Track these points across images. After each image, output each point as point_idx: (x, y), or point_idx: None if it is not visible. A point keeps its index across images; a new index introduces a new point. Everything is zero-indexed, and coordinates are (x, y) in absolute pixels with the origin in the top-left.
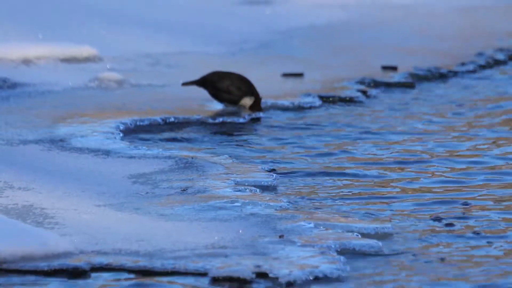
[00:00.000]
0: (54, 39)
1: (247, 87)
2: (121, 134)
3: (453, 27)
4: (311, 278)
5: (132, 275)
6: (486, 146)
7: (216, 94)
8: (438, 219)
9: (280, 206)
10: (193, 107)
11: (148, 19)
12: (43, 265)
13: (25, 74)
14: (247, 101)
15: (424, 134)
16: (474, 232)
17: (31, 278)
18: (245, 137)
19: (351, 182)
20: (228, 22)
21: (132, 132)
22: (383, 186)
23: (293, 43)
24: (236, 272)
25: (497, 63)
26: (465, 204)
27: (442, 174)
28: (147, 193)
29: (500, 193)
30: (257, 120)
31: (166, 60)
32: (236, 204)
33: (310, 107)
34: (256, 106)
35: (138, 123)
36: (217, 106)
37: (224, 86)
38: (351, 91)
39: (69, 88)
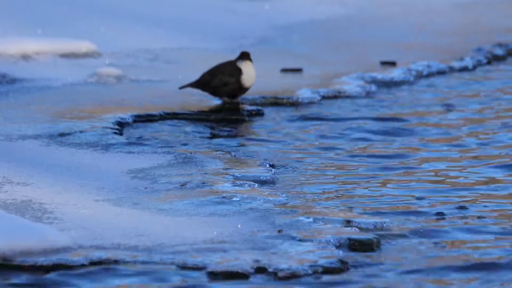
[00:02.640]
0: (53, 35)
1: (235, 66)
2: (120, 129)
3: (452, 22)
4: (310, 272)
5: (131, 270)
6: (481, 142)
7: (216, 92)
8: (439, 213)
9: (279, 201)
10: (192, 103)
11: (147, 15)
12: (42, 260)
13: (24, 70)
14: (246, 64)
15: (422, 130)
16: (474, 223)
17: (30, 273)
18: (243, 132)
19: (349, 177)
20: (227, 18)
21: (131, 127)
22: (381, 181)
23: (292, 38)
24: (235, 266)
25: (496, 58)
26: (461, 207)
27: (441, 169)
28: (146, 188)
29: (498, 189)
30: (255, 115)
31: (165, 55)
32: (235, 199)
33: (309, 102)
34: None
35: (137, 118)
36: (216, 101)
37: (218, 81)
38: (350, 87)
39: (68, 84)
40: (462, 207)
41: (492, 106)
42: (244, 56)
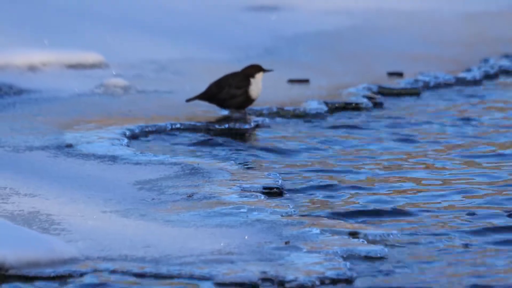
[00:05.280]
0: (60, 45)
1: (244, 76)
2: (127, 140)
3: (458, 33)
4: (317, 284)
5: (138, 281)
6: (492, 152)
7: (223, 104)
8: (470, 213)
9: (286, 212)
10: (199, 114)
11: (154, 26)
12: (49, 271)
13: (31, 81)
14: (258, 76)
15: (431, 141)
16: (482, 231)
17: (37, 284)
18: (250, 143)
19: (357, 189)
20: (233, 28)
21: (138, 138)
22: (390, 192)
23: (299, 49)
24: (242, 278)
25: (503, 69)
26: (471, 214)
27: (449, 182)
28: (153, 199)
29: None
30: (262, 126)
31: (172, 66)
32: (242, 210)
33: (316, 113)
34: (264, 70)
35: (144, 129)
36: (223, 112)
37: (226, 94)
38: (357, 97)
39: (75, 95)
40: (471, 214)
41: (504, 116)
42: (255, 68)
